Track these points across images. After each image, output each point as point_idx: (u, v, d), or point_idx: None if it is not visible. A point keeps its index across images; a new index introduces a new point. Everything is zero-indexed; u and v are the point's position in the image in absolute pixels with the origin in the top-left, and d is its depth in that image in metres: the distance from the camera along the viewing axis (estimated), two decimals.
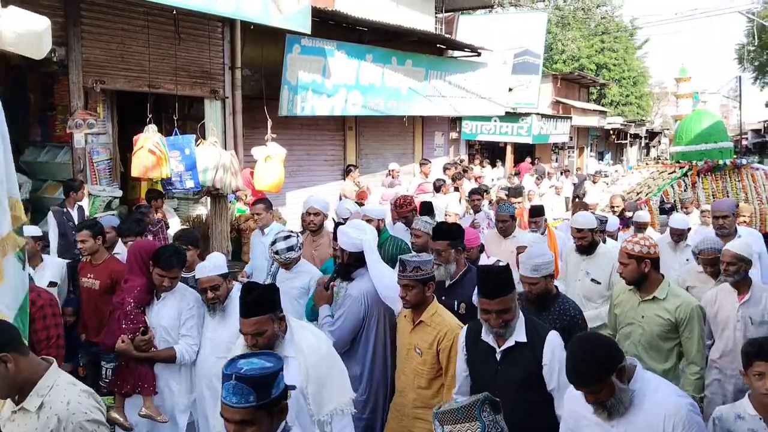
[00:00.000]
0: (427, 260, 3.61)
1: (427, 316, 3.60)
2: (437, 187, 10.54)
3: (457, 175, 12.44)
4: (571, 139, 24.19)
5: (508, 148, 19.55)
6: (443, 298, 4.23)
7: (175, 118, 8.13)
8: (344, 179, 12.11)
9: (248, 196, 8.88)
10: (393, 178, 12.30)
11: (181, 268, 4.16)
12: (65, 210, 7.02)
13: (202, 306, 4.12)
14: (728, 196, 10.08)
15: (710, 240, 5.04)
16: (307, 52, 10.02)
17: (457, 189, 11.72)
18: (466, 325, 3.42)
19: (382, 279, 4.03)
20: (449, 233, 4.44)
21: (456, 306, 4.25)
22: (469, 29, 18.02)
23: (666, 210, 9.10)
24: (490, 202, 8.96)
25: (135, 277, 4.16)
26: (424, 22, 14.91)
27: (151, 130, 7.42)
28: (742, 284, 4.34)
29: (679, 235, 6.40)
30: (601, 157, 29.74)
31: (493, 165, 18.74)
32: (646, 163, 12.85)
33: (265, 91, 9.63)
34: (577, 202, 8.55)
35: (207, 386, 4.01)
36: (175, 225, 8.72)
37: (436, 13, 16.08)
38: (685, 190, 9.82)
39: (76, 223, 7.05)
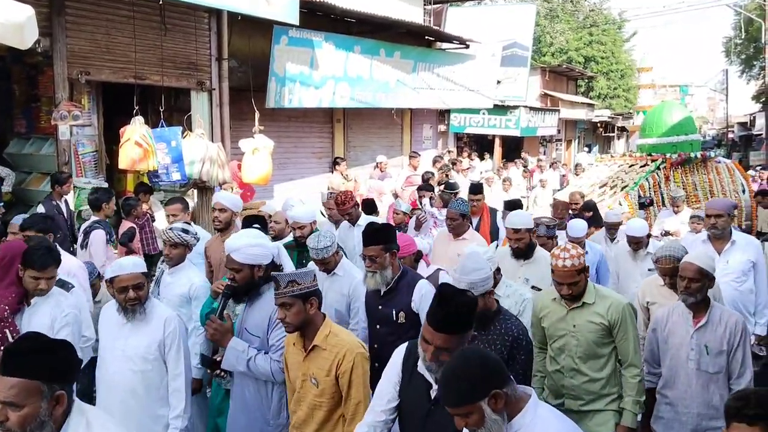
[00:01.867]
0: (305, 272, 3.09)
1: (320, 339, 3.08)
2: (426, 180, 10.54)
3: (445, 168, 12.46)
4: (559, 131, 24.28)
5: (497, 141, 19.60)
6: (380, 307, 3.94)
7: (161, 110, 8.07)
8: (332, 172, 12.10)
9: (235, 189, 8.84)
10: (381, 171, 12.29)
11: (56, 267, 3.66)
12: (54, 203, 6.95)
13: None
14: (696, 190, 9.84)
15: (670, 247, 4.32)
16: (294, 43, 9.97)
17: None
18: (406, 344, 2.84)
19: None
20: (380, 236, 3.91)
21: (394, 315, 3.88)
22: (458, 21, 18.00)
23: (645, 205, 8.77)
24: (431, 199, 8.40)
25: (8, 283, 3.62)
26: (413, 13, 14.87)
27: (137, 122, 7.38)
28: (700, 305, 3.68)
29: (636, 243, 5.80)
30: (588, 149, 29.89)
31: (482, 158, 18.79)
32: (611, 156, 12.22)
33: (253, 82, 9.57)
34: (557, 202, 7.98)
35: (120, 406, 3.43)
36: (161, 218, 8.67)
37: (424, 4, 16.03)
38: (659, 185, 9.47)
39: (66, 215, 7.01)
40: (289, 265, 3.77)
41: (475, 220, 7.09)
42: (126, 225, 7.04)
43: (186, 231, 4.49)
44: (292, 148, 11.81)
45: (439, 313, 2.45)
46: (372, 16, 11.62)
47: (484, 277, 3.19)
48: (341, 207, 6.17)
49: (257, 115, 8.99)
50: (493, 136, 19.40)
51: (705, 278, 3.64)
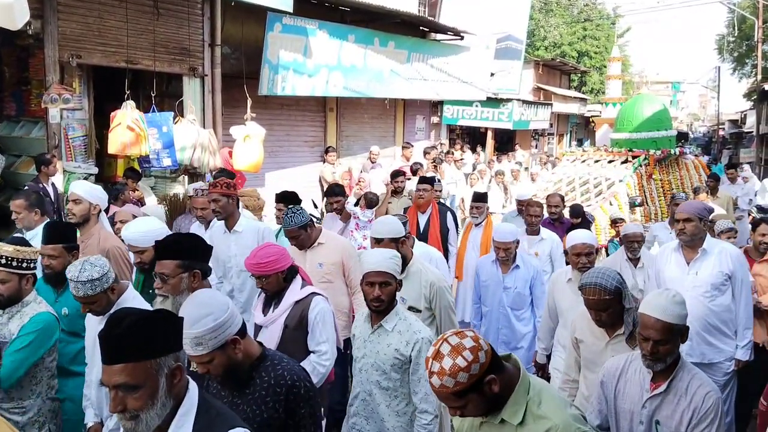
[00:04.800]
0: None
1: None
2: (414, 171, 10.52)
3: (438, 160, 12.45)
4: (551, 125, 24.32)
5: (489, 134, 19.61)
6: None
7: (152, 95, 8.02)
8: (323, 161, 12.08)
9: None
10: (372, 161, 12.27)
11: None
12: (41, 185, 6.91)
13: None
14: (672, 188, 9.44)
15: (598, 272, 3.17)
16: (288, 30, 9.92)
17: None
18: None
19: None
20: (178, 249, 3.01)
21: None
22: (453, 12, 17.90)
23: (635, 205, 8.34)
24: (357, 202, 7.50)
25: None
26: (408, 3, 14.80)
27: (129, 106, 7.34)
28: (662, 366, 2.64)
29: (579, 259, 4.25)
30: (580, 143, 29.97)
31: (474, 150, 18.79)
32: (584, 150, 11.28)
33: (245, 69, 9.53)
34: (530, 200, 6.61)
35: None
36: (151, 203, 8.63)
37: None
38: (642, 183, 9.07)
39: (53, 198, 6.97)
40: None
41: (423, 219, 6.25)
42: (113, 210, 6.99)
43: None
44: (285, 137, 11.77)
45: (107, 339, 1.74)
46: (367, 5, 11.57)
47: (213, 325, 2.17)
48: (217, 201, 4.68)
49: (249, 102, 8.95)
50: (486, 129, 19.40)
51: (675, 336, 2.60)
